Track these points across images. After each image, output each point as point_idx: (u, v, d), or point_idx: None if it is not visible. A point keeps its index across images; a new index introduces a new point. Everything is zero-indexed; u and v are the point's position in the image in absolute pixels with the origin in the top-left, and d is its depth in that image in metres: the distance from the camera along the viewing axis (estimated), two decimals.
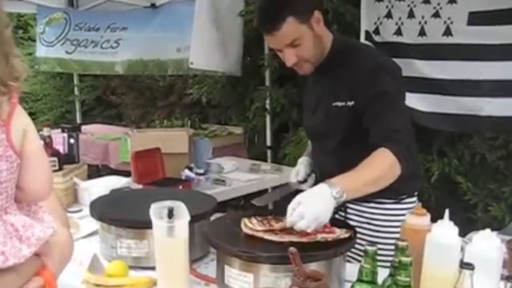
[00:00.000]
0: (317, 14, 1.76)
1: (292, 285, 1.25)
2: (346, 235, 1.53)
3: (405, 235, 1.38)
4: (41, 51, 5.81)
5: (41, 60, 5.84)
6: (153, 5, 5.09)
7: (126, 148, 3.74)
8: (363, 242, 1.56)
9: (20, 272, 0.95)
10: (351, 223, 1.79)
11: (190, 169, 2.91)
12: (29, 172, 0.97)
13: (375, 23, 3.31)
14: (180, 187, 2.70)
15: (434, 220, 1.38)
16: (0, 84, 0.93)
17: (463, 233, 1.42)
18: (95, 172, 4.26)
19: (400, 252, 1.24)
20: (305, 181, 1.96)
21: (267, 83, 4.25)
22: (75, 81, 6.44)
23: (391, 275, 1.26)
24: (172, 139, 3.01)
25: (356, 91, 1.75)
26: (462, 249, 1.33)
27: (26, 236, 0.94)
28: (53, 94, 7.32)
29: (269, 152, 4.36)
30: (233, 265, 1.45)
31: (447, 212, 1.32)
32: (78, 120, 6.14)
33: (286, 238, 1.49)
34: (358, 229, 1.65)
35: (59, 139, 2.79)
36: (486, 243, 1.32)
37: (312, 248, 1.45)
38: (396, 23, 3.21)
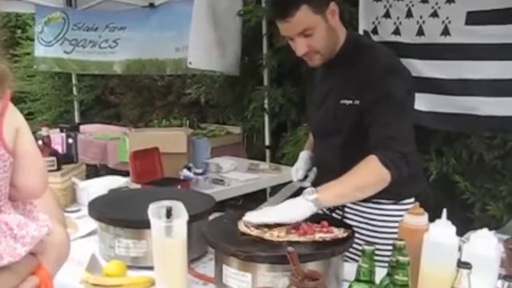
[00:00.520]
0: (333, 6, 1.74)
1: (290, 285, 1.25)
2: (344, 235, 1.53)
3: (402, 235, 1.39)
4: (39, 50, 5.81)
5: (39, 59, 5.85)
6: (151, 5, 5.09)
7: (124, 148, 3.73)
8: (361, 242, 1.56)
9: (15, 271, 0.94)
10: (349, 222, 1.79)
11: (189, 168, 2.91)
12: (23, 170, 0.97)
13: (373, 22, 3.31)
14: (179, 186, 2.70)
15: (432, 219, 1.38)
16: None
17: (460, 233, 1.43)
18: (93, 172, 4.26)
19: (397, 252, 1.24)
20: (306, 177, 1.95)
21: (266, 82, 4.25)
22: (74, 80, 6.42)
23: (388, 274, 1.26)
24: (170, 139, 3.00)
25: (362, 90, 1.73)
26: (460, 249, 1.33)
27: (20, 235, 0.93)
28: (51, 94, 7.29)
29: (267, 151, 4.36)
30: (231, 265, 1.45)
31: (444, 211, 1.32)
32: (77, 120, 6.13)
33: (284, 238, 1.49)
34: (356, 229, 1.65)
35: (58, 139, 2.79)
36: (483, 243, 1.32)
37: (310, 248, 1.46)
38: (394, 23, 3.21)
